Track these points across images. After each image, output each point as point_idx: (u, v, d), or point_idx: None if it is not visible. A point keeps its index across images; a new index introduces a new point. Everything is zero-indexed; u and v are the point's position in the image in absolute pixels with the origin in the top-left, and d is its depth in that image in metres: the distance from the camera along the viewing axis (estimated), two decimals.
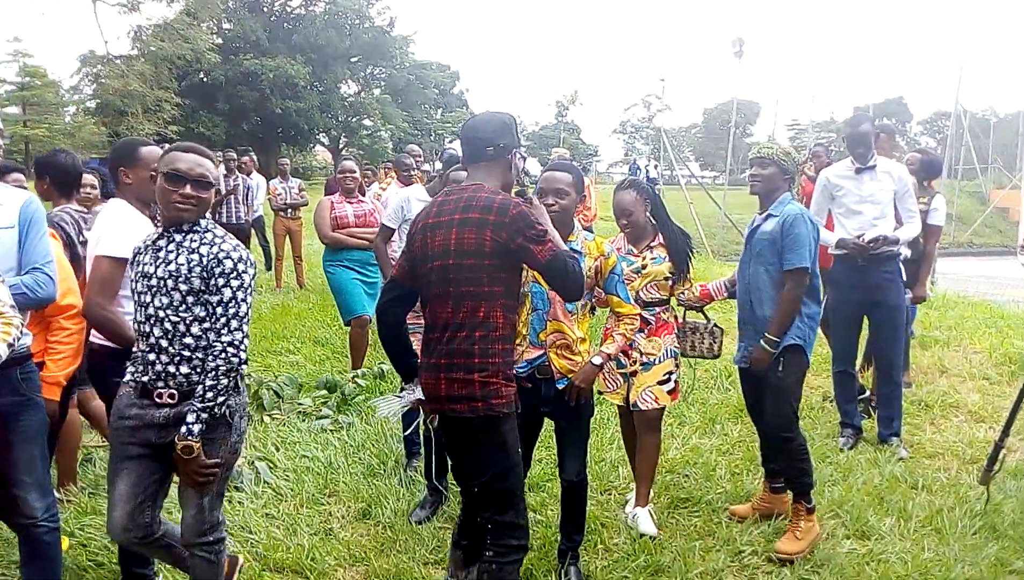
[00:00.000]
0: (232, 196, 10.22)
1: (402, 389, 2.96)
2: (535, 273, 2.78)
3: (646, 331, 3.75)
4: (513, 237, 2.50)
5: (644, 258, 3.75)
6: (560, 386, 3.13)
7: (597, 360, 3.14)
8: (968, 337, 6.69)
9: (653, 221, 3.77)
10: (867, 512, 3.72)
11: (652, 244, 3.78)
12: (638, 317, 3.32)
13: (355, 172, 5.75)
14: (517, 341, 3.23)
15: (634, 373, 3.75)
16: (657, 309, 3.76)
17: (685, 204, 18.40)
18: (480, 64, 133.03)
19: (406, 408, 2.92)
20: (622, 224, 3.77)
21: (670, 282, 3.76)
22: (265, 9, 39.75)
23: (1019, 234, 20.46)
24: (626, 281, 3.70)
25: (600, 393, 3.96)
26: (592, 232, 7.65)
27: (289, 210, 10.57)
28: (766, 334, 3.41)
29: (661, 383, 3.71)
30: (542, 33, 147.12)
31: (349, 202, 5.76)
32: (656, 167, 34.99)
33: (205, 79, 36.12)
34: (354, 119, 44.60)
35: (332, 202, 5.85)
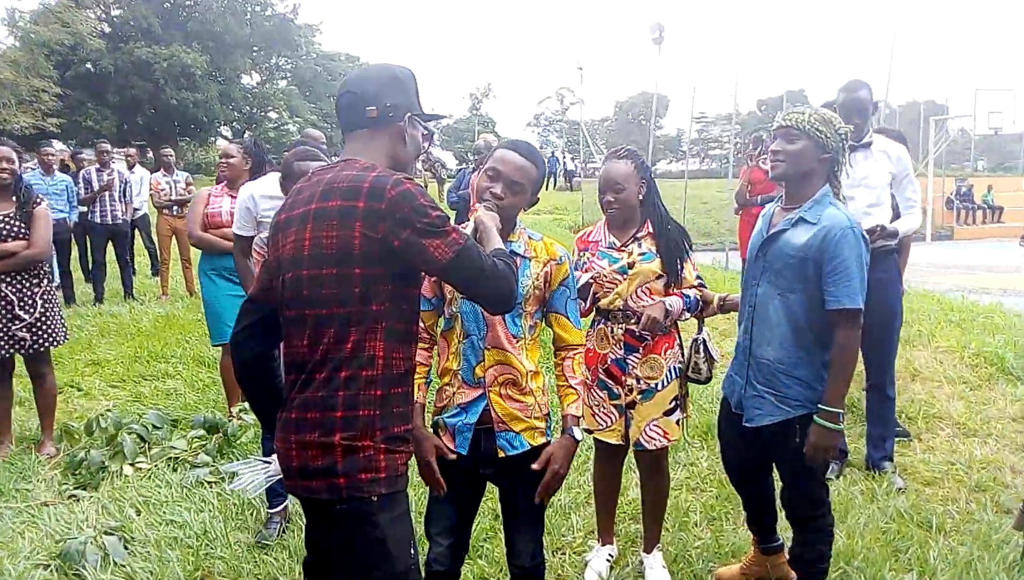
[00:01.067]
0: (107, 193, 8.93)
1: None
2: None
3: (641, 350, 2.98)
4: (395, 230, 1.72)
5: (631, 254, 2.97)
6: (506, 442, 2.28)
7: (577, 433, 2.31)
8: (929, 333, 6.18)
9: (642, 206, 3.01)
10: (883, 569, 3.01)
11: (639, 235, 3.00)
12: (583, 348, 2.48)
13: (233, 157, 4.63)
14: (447, 379, 2.38)
15: (631, 404, 2.97)
16: None
17: None
18: (391, 56, 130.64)
19: (275, 479, 2.09)
20: (607, 200, 2.97)
21: (663, 285, 2.99)
22: None
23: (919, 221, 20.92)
24: (610, 284, 2.94)
25: (589, 431, 3.12)
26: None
27: (175, 207, 9.36)
28: (823, 406, 2.47)
29: (668, 413, 2.97)
30: (454, 24, 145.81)
31: (230, 195, 4.67)
32: (573, 160, 34.64)
33: (92, 68, 33.51)
34: (257, 111, 42.52)
35: (209, 195, 4.78)
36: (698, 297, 3.06)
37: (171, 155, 9.62)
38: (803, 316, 2.55)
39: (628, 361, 2.99)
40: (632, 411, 2.98)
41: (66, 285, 8.86)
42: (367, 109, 1.88)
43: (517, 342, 2.34)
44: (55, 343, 4.41)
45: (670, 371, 2.99)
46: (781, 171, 2.61)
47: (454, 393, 2.33)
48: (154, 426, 4.42)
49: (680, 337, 3.13)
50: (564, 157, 36.71)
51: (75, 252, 9.42)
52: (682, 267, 2.99)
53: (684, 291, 3.04)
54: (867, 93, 3.68)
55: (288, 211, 1.87)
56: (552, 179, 34.18)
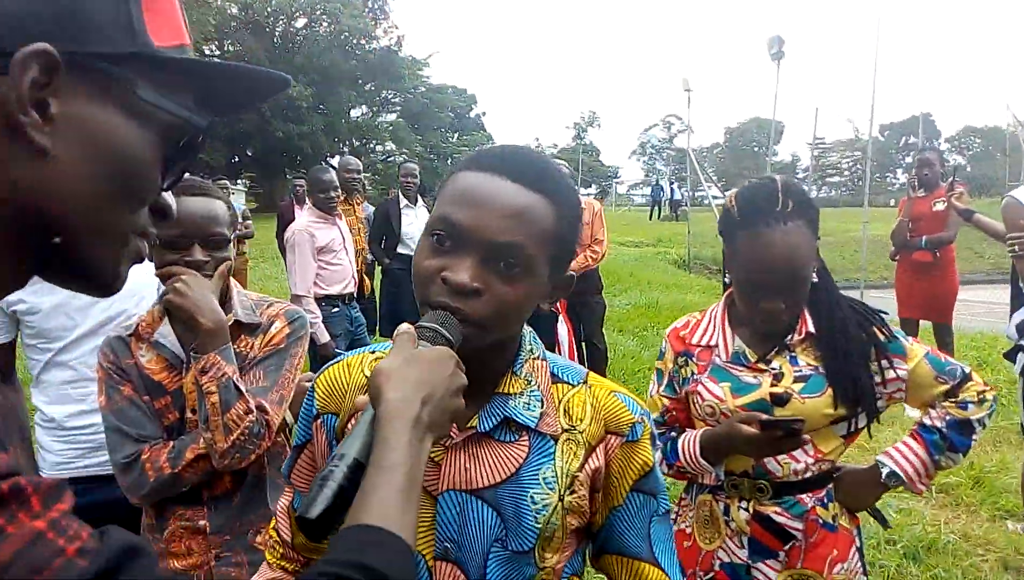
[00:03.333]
0: None
1: None
2: None
3: (785, 555, 1.61)
4: None
5: (779, 377, 1.61)
6: None
7: None
8: None
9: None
10: None
11: (793, 341, 1.62)
12: None
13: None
14: None
15: None
16: (810, 498, 1.63)
17: (715, 226, 16.06)
18: (497, 87, 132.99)
19: None
20: (771, 308, 1.56)
21: (843, 433, 1.64)
22: (268, 30, 38.23)
23: None
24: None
25: None
26: (599, 287, 5.36)
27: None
28: None
29: None
30: (560, 55, 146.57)
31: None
32: (680, 188, 32.79)
33: None
34: (361, 143, 43.06)
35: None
36: (972, 425, 1.61)
37: (226, 188, 8.75)
38: None
39: (756, 573, 1.61)
40: None
41: None
42: None
43: None
44: None
45: None
46: None
47: None
48: None
49: (860, 532, 1.68)
50: (672, 185, 34.90)
51: None
52: (882, 385, 1.60)
53: (928, 419, 1.65)
54: None
55: None
56: (657, 209, 32.48)
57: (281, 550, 1.17)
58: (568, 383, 1.07)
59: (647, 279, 12.84)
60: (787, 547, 1.61)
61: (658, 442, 1.68)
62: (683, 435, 1.70)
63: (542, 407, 1.03)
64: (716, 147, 77.70)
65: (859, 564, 1.67)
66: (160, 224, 0.65)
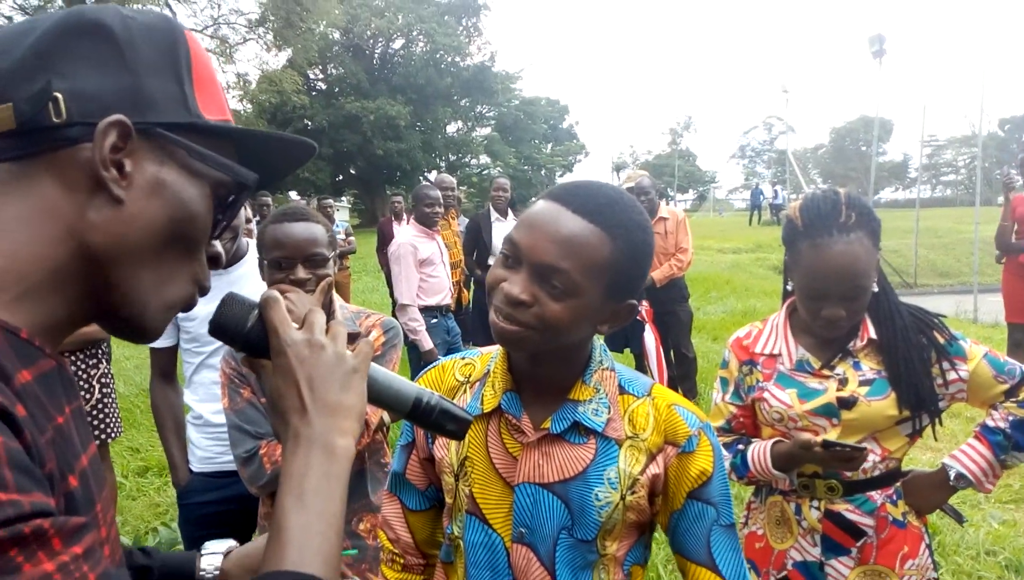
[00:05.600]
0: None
1: None
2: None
3: (856, 552, 1.68)
4: None
5: (844, 383, 1.68)
6: None
7: None
8: None
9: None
10: None
11: (856, 347, 1.70)
12: None
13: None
14: None
15: None
16: (879, 495, 1.70)
17: None
18: (590, 96, 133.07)
19: None
20: (832, 314, 1.63)
21: (908, 433, 1.70)
22: (368, 52, 39.65)
23: None
24: (802, 432, 1.69)
25: None
26: (685, 296, 5.39)
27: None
28: None
29: None
30: (653, 61, 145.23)
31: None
32: (782, 191, 31.90)
33: (309, 124, 36.10)
34: (457, 157, 43.98)
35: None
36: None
37: (331, 204, 9.23)
38: None
39: (828, 570, 1.68)
40: None
41: None
42: None
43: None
44: (111, 435, 3.73)
45: None
46: None
47: None
48: None
49: (927, 531, 1.74)
50: (775, 188, 33.99)
51: None
52: (944, 387, 1.66)
53: (991, 419, 1.68)
54: None
55: None
56: (757, 213, 31.73)
57: (402, 560, 1.33)
58: (634, 395, 1.20)
59: (744, 286, 12.64)
60: (859, 544, 1.67)
61: (725, 453, 1.78)
62: (751, 448, 1.78)
63: (609, 413, 1.17)
64: (820, 148, 75.06)
65: (929, 561, 1.72)
66: (215, 269, 0.79)
